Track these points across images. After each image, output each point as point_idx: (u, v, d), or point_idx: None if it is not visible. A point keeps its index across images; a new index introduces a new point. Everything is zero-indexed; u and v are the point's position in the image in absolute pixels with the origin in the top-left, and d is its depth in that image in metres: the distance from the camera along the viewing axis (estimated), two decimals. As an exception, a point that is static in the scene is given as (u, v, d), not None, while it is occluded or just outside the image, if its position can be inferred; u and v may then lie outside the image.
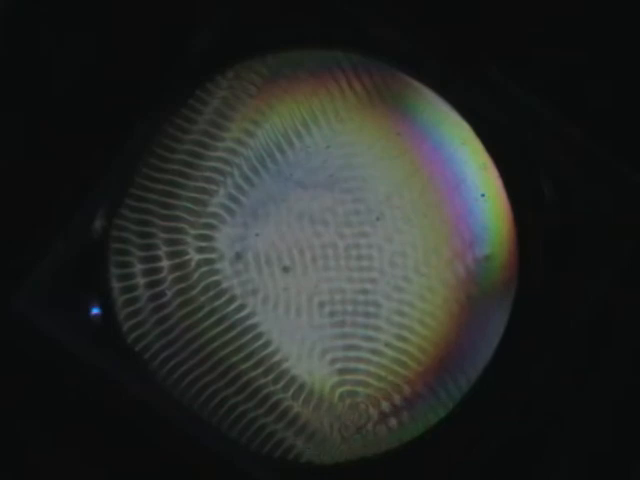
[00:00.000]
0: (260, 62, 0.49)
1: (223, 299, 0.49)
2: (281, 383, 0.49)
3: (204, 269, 0.49)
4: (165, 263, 0.49)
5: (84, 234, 0.49)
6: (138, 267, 0.49)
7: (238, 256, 0.50)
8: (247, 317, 0.50)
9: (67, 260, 0.49)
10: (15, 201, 0.50)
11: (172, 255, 0.49)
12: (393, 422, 0.49)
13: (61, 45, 0.51)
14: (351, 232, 0.50)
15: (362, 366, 0.49)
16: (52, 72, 0.51)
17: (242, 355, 0.49)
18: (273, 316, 0.50)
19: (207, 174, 0.50)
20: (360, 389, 0.49)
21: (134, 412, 0.48)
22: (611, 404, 0.49)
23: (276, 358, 0.49)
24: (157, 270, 0.49)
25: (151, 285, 0.49)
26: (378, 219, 0.49)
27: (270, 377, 0.49)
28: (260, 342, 0.49)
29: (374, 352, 0.49)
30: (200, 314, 0.49)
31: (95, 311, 0.49)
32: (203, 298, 0.49)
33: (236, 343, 0.49)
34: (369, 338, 0.49)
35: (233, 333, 0.49)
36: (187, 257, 0.50)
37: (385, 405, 0.49)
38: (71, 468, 0.49)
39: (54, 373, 0.48)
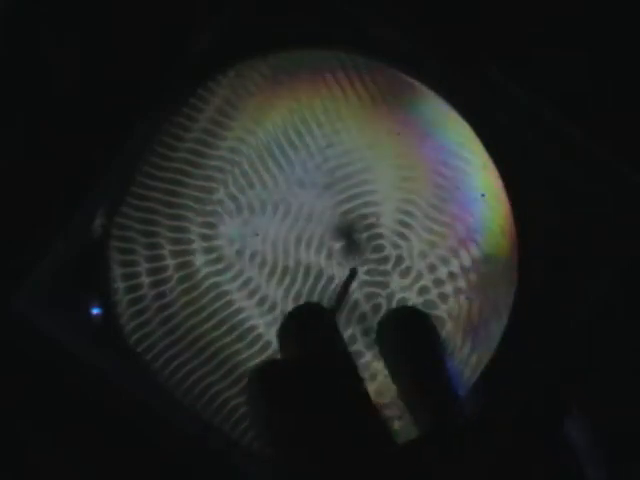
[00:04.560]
0: (261, 61, 0.49)
1: (224, 300, 0.49)
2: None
3: (207, 269, 0.49)
4: (170, 262, 0.49)
5: (84, 234, 0.49)
6: (143, 266, 0.49)
7: (238, 256, 0.50)
8: (247, 319, 0.50)
9: (67, 260, 0.49)
10: (15, 201, 0.50)
11: (177, 254, 0.49)
12: (396, 425, 0.49)
13: (61, 45, 0.51)
14: (352, 232, 0.50)
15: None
16: (52, 72, 0.50)
17: (244, 356, 0.49)
18: (272, 318, 0.50)
19: (209, 172, 0.50)
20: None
21: (134, 412, 0.48)
22: (611, 404, 0.49)
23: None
24: (162, 269, 0.49)
25: (156, 284, 0.49)
26: (378, 220, 0.49)
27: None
28: (261, 343, 0.49)
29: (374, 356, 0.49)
30: (203, 314, 0.49)
31: (95, 311, 0.49)
32: (206, 298, 0.49)
33: (238, 344, 0.49)
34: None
35: (235, 334, 0.49)
36: (191, 257, 0.49)
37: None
38: (71, 468, 0.49)
39: (54, 373, 0.48)
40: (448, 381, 0.40)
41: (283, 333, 0.41)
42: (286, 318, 0.40)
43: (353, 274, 0.45)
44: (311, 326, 0.40)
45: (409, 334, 0.41)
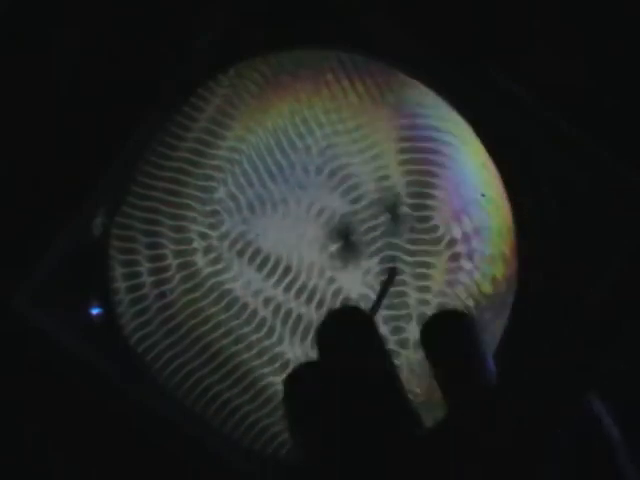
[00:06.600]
0: (262, 61, 0.49)
1: (226, 300, 0.49)
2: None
3: (208, 269, 0.49)
4: (172, 262, 0.49)
5: (84, 234, 0.49)
6: (145, 266, 0.49)
7: (239, 256, 0.50)
8: (250, 319, 0.49)
9: (67, 260, 0.49)
10: (15, 201, 0.49)
11: (178, 254, 0.49)
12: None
13: (61, 44, 0.51)
14: (351, 234, 0.50)
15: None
16: (52, 72, 0.50)
17: (245, 356, 0.49)
18: (275, 318, 0.49)
19: (209, 172, 0.50)
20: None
21: (134, 412, 0.48)
22: (612, 404, 0.49)
23: (281, 360, 0.49)
24: (164, 269, 0.49)
25: (157, 284, 0.49)
26: (378, 220, 0.50)
27: (276, 377, 0.49)
28: (263, 343, 0.49)
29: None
30: (205, 314, 0.49)
31: (95, 311, 0.49)
32: (208, 299, 0.49)
33: (240, 344, 0.49)
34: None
35: (235, 335, 0.49)
36: (192, 257, 0.49)
37: None
38: (72, 468, 0.49)
39: (54, 373, 0.48)
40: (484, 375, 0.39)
41: (322, 336, 0.39)
42: (324, 321, 0.39)
43: (392, 274, 0.45)
44: (351, 330, 0.38)
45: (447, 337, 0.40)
